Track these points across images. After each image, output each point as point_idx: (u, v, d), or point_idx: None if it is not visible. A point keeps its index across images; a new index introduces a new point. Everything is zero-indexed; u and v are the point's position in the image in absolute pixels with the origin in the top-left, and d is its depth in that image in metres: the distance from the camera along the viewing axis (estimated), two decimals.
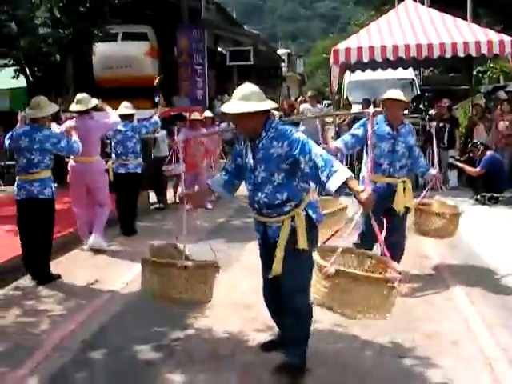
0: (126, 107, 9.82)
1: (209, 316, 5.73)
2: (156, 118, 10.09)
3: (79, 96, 8.56)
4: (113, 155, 9.68)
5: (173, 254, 4.85)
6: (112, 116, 8.73)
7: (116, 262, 7.97)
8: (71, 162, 8.53)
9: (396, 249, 6.57)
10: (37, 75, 15.93)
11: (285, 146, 4.22)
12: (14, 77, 15.76)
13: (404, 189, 6.56)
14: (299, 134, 4.29)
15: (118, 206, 9.67)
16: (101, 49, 18.92)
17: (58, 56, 15.50)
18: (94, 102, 8.54)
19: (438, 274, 6.97)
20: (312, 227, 4.41)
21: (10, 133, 7.26)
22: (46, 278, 7.12)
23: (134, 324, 5.64)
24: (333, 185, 3.97)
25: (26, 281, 7.15)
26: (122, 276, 7.25)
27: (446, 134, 13.00)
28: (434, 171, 6.88)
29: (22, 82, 16.41)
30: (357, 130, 6.66)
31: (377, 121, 6.57)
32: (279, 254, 4.28)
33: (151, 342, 5.15)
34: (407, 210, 6.62)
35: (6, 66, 16.35)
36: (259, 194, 4.37)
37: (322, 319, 5.43)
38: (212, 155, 12.69)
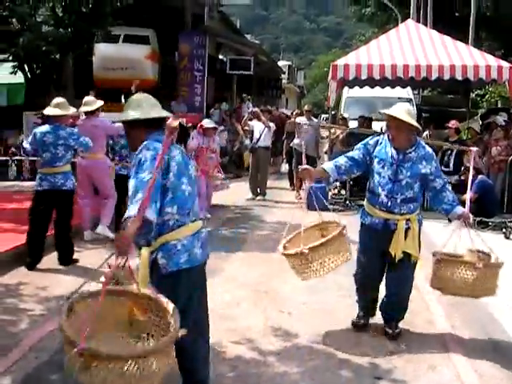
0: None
1: None
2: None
3: (86, 99, 9.35)
4: (116, 157, 9.95)
5: None
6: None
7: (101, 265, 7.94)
8: (79, 159, 9.29)
9: (394, 306, 5.67)
10: (35, 72, 15.94)
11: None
12: (12, 73, 15.78)
13: (408, 229, 5.33)
14: (145, 153, 3.53)
15: (116, 207, 9.66)
16: (102, 49, 19.00)
17: (57, 55, 15.51)
18: (99, 103, 9.30)
19: (420, 296, 6.93)
20: (160, 277, 3.45)
21: (34, 132, 7.88)
22: (68, 261, 7.84)
23: None
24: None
25: (6, 278, 7.15)
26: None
27: (453, 158, 12.52)
28: (460, 210, 5.44)
29: (19, 77, 16.42)
30: (356, 151, 5.54)
31: (381, 140, 5.49)
32: None
33: None
34: (411, 257, 5.41)
35: (4, 60, 16.35)
36: None
37: (300, 334, 5.46)
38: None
